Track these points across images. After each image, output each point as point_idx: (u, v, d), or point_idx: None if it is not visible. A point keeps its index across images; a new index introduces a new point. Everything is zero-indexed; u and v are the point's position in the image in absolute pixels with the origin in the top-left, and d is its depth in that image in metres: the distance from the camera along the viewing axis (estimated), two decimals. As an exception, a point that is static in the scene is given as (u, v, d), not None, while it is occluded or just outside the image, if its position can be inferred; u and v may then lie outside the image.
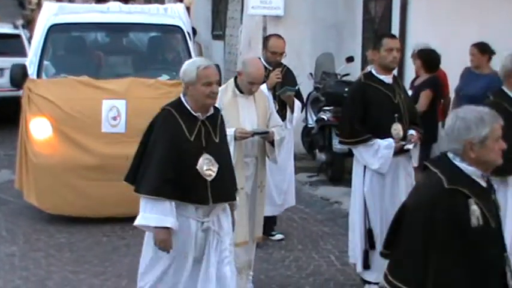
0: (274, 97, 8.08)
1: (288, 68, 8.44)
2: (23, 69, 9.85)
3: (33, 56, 10.37)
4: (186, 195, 5.35)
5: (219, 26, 19.03)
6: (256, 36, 14.39)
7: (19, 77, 9.73)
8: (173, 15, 11.07)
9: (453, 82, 9.84)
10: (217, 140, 5.49)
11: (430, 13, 11.88)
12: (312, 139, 12.43)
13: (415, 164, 7.14)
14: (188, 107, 5.40)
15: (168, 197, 5.24)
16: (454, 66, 10.00)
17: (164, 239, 5.24)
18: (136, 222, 5.37)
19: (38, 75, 9.93)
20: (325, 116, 11.61)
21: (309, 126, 12.54)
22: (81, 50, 11.08)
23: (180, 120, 5.36)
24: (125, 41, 11.66)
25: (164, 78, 10.13)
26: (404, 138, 6.82)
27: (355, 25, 13.90)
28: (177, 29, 10.80)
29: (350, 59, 12.41)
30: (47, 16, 10.61)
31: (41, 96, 9.42)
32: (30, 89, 9.61)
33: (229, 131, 6.21)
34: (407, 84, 10.98)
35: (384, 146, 6.71)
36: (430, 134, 9.00)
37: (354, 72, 12.61)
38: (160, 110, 5.52)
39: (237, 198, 5.91)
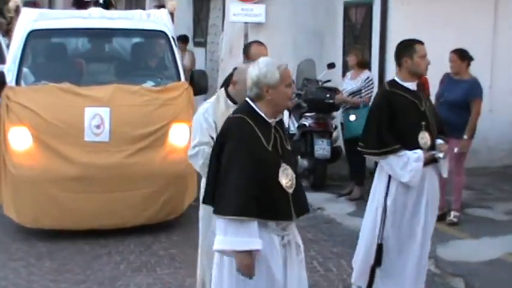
0: None
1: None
2: (0, 76, 9.24)
3: (11, 63, 9.79)
4: (270, 211, 4.74)
5: (200, 33, 18.84)
6: (237, 43, 14.03)
7: None
8: (156, 20, 10.58)
9: (433, 87, 9.74)
10: (289, 147, 4.98)
11: (410, 20, 11.85)
12: (294, 145, 12.60)
13: (445, 175, 6.80)
14: (261, 113, 4.79)
15: (252, 216, 4.60)
16: (433, 72, 10.08)
17: (248, 264, 4.60)
18: (218, 247, 4.70)
19: (17, 82, 9.41)
20: (306, 123, 11.46)
21: (291, 132, 12.08)
22: (61, 56, 10.50)
23: (255, 128, 4.75)
24: (108, 47, 11.12)
25: (149, 84, 9.68)
26: (433, 147, 6.45)
27: (336, 32, 13.78)
28: (161, 34, 10.32)
29: (331, 65, 12.27)
30: (26, 22, 10.07)
31: (20, 104, 8.88)
32: (9, 97, 9.02)
33: None
34: None
35: (414, 159, 6.30)
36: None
37: (336, 78, 12.64)
38: (231, 117, 4.91)
39: None
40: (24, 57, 9.66)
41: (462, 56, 9.32)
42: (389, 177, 6.45)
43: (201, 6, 19.21)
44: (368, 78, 10.88)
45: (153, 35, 10.47)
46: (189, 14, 20.11)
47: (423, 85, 9.95)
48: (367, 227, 6.68)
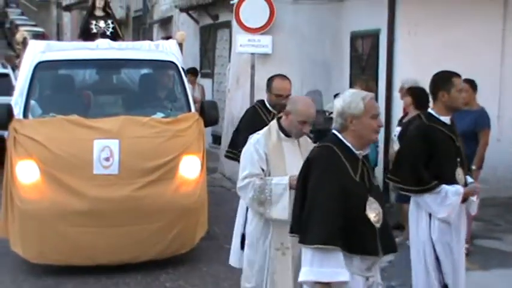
0: None
1: None
2: (8, 109, 8.90)
3: (18, 95, 9.56)
4: (356, 245, 4.51)
5: (207, 64, 18.77)
6: (244, 74, 14.04)
7: (4, 117, 8.76)
8: (165, 51, 10.38)
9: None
10: (376, 183, 4.80)
11: (416, 50, 11.90)
12: None
13: (473, 213, 6.62)
14: (349, 144, 4.63)
15: (338, 246, 4.40)
16: None
17: None
18: (304, 278, 4.48)
19: (25, 115, 9.06)
20: None
21: None
22: (69, 88, 10.20)
23: (343, 158, 4.59)
24: (116, 78, 10.88)
25: (159, 116, 9.33)
26: (465, 184, 6.18)
27: (343, 62, 13.67)
28: (170, 64, 10.03)
29: (338, 96, 12.73)
30: (34, 54, 9.84)
31: (28, 137, 8.53)
32: (16, 129, 8.67)
33: (282, 180, 5.61)
34: (395, 121, 10.94)
35: (452, 192, 6.03)
36: None
37: None
38: (318, 146, 4.77)
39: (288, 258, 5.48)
40: (32, 89, 9.39)
41: (473, 86, 9.23)
42: (430, 214, 6.17)
43: (208, 37, 19.15)
44: None
45: (162, 65, 10.23)
46: (195, 45, 20.10)
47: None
48: (420, 271, 6.25)
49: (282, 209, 5.53)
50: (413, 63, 11.72)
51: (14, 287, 8.32)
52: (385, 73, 12.12)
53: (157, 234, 8.52)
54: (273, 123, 6.01)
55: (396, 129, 10.11)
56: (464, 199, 6.15)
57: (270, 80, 7.47)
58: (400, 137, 9.61)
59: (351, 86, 13.03)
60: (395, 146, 9.75)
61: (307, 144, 6.03)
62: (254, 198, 5.56)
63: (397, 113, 11.09)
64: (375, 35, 12.66)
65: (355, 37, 13.45)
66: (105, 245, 8.36)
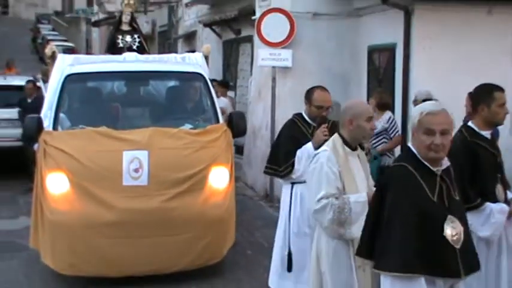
0: None
1: (334, 123, 6.86)
2: (38, 121, 8.59)
3: (48, 108, 9.30)
4: (436, 267, 4.17)
5: (230, 77, 18.61)
6: (265, 86, 13.89)
7: (34, 130, 8.51)
8: (192, 63, 10.13)
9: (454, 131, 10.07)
10: (457, 198, 4.39)
11: (430, 64, 11.62)
12: None
13: None
14: (423, 160, 4.30)
15: (419, 272, 4.11)
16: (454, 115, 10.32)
17: None
18: None
19: (54, 127, 8.75)
20: None
21: None
22: (98, 100, 9.84)
23: (419, 177, 4.24)
24: (144, 90, 10.54)
25: (187, 127, 8.98)
26: (506, 201, 5.79)
27: (361, 75, 13.50)
28: (198, 76, 9.65)
29: None
30: (62, 67, 9.60)
31: (58, 148, 8.23)
32: (46, 141, 8.36)
33: (360, 197, 5.15)
34: (410, 132, 11.29)
35: (498, 210, 5.64)
36: None
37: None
38: (393, 166, 4.45)
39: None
40: (61, 101, 9.08)
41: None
42: None
43: (231, 51, 19.04)
44: (390, 118, 10.73)
45: (190, 77, 9.85)
46: (219, 59, 19.91)
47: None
48: None
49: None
50: (428, 76, 11.62)
51: None
52: (401, 85, 12.02)
53: (186, 245, 8.20)
54: (336, 138, 5.44)
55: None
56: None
57: (310, 92, 7.11)
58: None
59: (368, 97, 13.20)
60: None
61: (364, 157, 5.68)
62: (334, 220, 5.07)
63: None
64: (391, 49, 12.56)
65: (372, 51, 13.35)
66: (135, 256, 8.07)
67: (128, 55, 10.39)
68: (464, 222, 4.35)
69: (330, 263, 5.30)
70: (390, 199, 4.25)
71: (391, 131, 10.66)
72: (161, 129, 8.64)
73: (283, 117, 13.55)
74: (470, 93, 9.42)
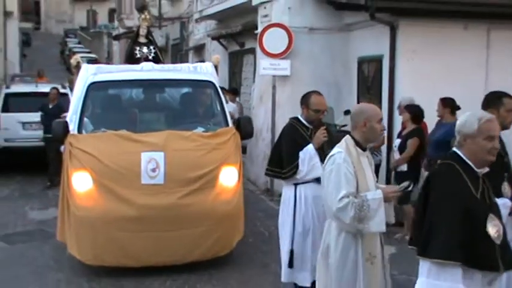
0: (321, 157, 6.31)
1: (327, 126, 6.90)
2: (64, 125, 8.47)
3: (73, 112, 9.08)
4: (476, 261, 3.99)
5: (234, 84, 18.33)
6: (266, 93, 13.73)
7: (61, 133, 8.35)
8: (203, 71, 9.88)
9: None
10: (494, 200, 4.27)
11: (413, 73, 11.51)
12: None
13: None
14: (469, 162, 4.16)
15: (458, 261, 3.94)
16: (433, 119, 9.81)
17: None
18: None
19: (79, 130, 8.57)
20: None
21: None
22: (118, 106, 9.64)
23: (464, 175, 4.11)
24: (160, 97, 10.24)
25: (199, 130, 8.77)
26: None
27: (351, 83, 13.35)
28: (209, 84, 9.42)
29: (347, 112, 11.90)
30: (86, 76, 9.39)
31: (82, 150, 8.07)
32: (72, 143, 8.18)
33: (375, 194, 4.97)
34: (395, 134, 10.66)
35: (501, 204, 5.10)
36: (415, 175, 9.04)
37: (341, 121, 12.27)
38: (440, 163, 4.28)
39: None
40: (85, 107, 8.88)
41: (444, 103, 9.34)
42: None
43: (236, 61, 18.81)
44: None
45: (202, 84, 9.62)
46: (225, 69, 19.63)
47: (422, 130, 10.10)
48: None
49: (380, 222, 4.92)
50: (411, 84, 11.53)
51: (71, 273, 8.16)
52: (387, 92, 11.93)
53: (199, 238, 8.02)
54: (348, 139, 5.17)
55: (396, 141, 9.93)
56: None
57: (307, 97, 6.79)
58: (400, 147, 9.78)
59: (358, 103, 13.16)
60: (396, 155, 9.76)
61: (370, 157, 5.44)
62: (355, 217, 4.82)
63: (398, 127, 10.95)
64: (378, 60, 12.45)
65: (361, 62, 13.23)
66: (152, 248, 7.91)
67: (145, 65, 10.21)
68: (502, 221, 4.19)
69: (338, 257, 5.06)
70: (437, 194, 4.09)
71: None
72: (176, 132, 8.45)
73: (282, 121, 13.46)
74: (441, 99, 9.49)
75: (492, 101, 5.86)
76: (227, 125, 8.94)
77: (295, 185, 6.70)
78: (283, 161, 6.70)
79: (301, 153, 6.59)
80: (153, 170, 7.94)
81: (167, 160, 7.96)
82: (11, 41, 34.69)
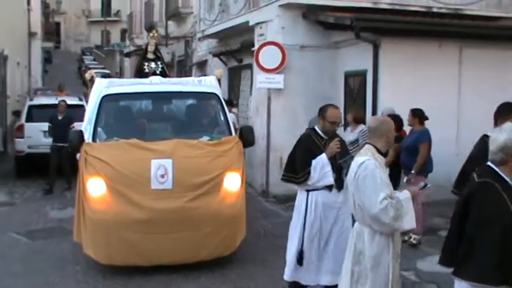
0: (333, 166, 6.19)
1: (341, 137, 6.54)
2: (80, 134, 8.18)
3: (87, 123, 8.76)
4: None
5: (233, 96, 17.93)
6: (262, 104, 13.49)
7: (77, 141, 8.05)
8: (207, 84, 9.56)
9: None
10: None
11: (394, 87, 11.47)
12: None
13: None
14: (507, 179, 3.74)
15: (496, 284, 3.61)
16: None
17: None
18: None
19: (93, 139, 8.24)
20: None
21: None
22: (129, 116, 9.31)
23: (502, 192, 3.68)
24: (168, 107, 9.88)
25: (205, 139, 8.40)
26: None
27: (338, 95, 13.17)
28: (213, 95, 9.06)
29: None
30: (100, 89, 9.07)
31: (96, 158, 7.76)
32: (87, 151, 7.86)
33: (405, 194, 4.79)
34: None
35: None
36: (396, 180, 8.63)
37: (339, 131, 12.73)
38: (478, 181, 3.79)
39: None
40: (99, 118, 8.55)
41: (414, 113, 9.19)
42: None
43: (234, 75, 18.39)
44: (362, 129, 10.20)
45: (207, 96, 9.22)
46: (225, 82, 19.09)
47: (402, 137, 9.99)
48: None
49: (411, 220, 4.74)
50: (392, 96, 11.42)
51: (87, 265, 7.97)
52: (371, 103, 11.86)
53: (206, 239, 7.70)
54: (370, 148, 4.89)
55: None
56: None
57: (324, 110, 6.41)
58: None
59: (345, 114, 13.13)
60: None
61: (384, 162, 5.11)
62: (394, 217, 4.59)
63: None
64: (363, 74, 12.33)
65: (347, 76, 13.06)
66: (162, 248, 7.61)
67: (153, 78, 9.86)
68: None
69: (373, 261, 4.75)
70: (475, 213, 3.69)
71: (361, 140, 10.50)
72: (183, 140, 8.07)
73: (277, 129, 13.49)
74: (411, 110, 9.43)
75: (503, 111, 5.77)
76: (230, 133, 8.59)
77: (307, 191, 6.33)
78: (297, 167, 6.36)
79: (314, 161, 6.24)
80: (162, 176, 7.66)
81: (175, 166, 7.65)
82: (34, 58, 34.54)
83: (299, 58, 13.29)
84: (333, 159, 6.27)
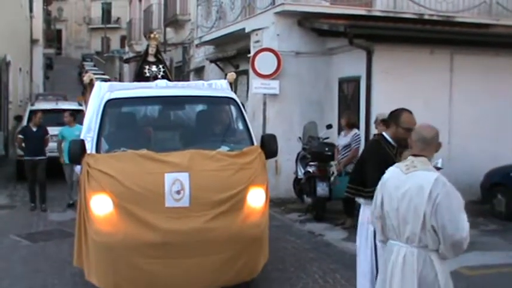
0: None
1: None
2: (81, 144, 6.53)
3: (87, 131, 7.52)
4: None
5: None
6: (258, 109, 12.89)
7: (78, 152, 6.48)
8: (219, 88, 8.27)
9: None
10: None
11: (387, 92, 10.88)
12: (301, 187, 11.05)
13: None
14: None
15: None
16: None
17: None
18: None
19: (97, 150, 6.62)
20: (310, 169, 10.43)
21: (299, 177, 11.22)
22: (138, 124, 7.66)
23: None
24: (181, 113, 8.19)
25: (224, 149, 6.79)
26: None
27: (333, 101, 12.67)
28: (231, 100, 7.46)
29: (329, 126, 11.28)
30: (100, 93, 7.68)
31: (101, 171, 6.18)
32: (90, 164, 6.25)
33: None
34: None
35: None
36: None
37: (333, 136, 11.24)
38: None
39: None
40: (103, 125, 6.97)
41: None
42: None
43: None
44: (355, 134, 9.80)
45: (223, 101, 7.66)
46: None
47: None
48: None
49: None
50: (385, 101, 10.64)
51: None
52: (364, 109, 11.34)
53: (227, 264, 6.22)
54: (425, 160, 4.17)
55: None
56: None
57: (398, 115, 5.25)
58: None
59: (339, 118, 13.09)
60: None
61: None
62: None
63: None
64: (356, 80, 11.82)
65: (342, 82, 12.45)
66: (178, 275, 6.14)
67: (159, 82, 8.35)
68: None
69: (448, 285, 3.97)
70: None
71: (353, 144, 10.46)
72: (200, 151, 6.49)
73: (272, 133, 13.41)
74: (382, 121, 9.30)
75: None
76: (252, 143, 6.93)
77: None
78: (367, 179, 5.18)
79: (387, 172, 5.50)
80: (178, 192, 6.16)
81: (192, 181, 6.10)
82: (36, 64, 34.25)
83: (294, 64, 12.58)
84: None
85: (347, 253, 7.81)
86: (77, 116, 13.05)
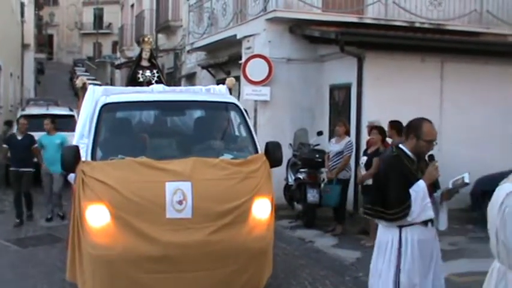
0: (430, 195, 4.63)
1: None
2: (75, 151, 5.98)
3: (79, 137, 7.09)
4: None
5: None
6: (249, 116, 14.50)
7: (72, 160, 5.95)
8: (220, 93, 7.84)
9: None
10: None
11: (378, 99, 10.79)
12: (292, 193, 10.85)
13: None
14: None
15: None
16: None
17: None
18: None
19: (93, 157, 6.09)
20: (301, 176, 10.24)
21: (289, 184, 11.02)
22: (135, 130, 7.12)
23: None
24: (181, 119, 7.72)
25: (227, 157, 6.33)
26: None
27: (324, 108, 12.51)
28: (233, 106, 6.99)
29: (320, 133, 11.12)
30: (95, 98, 7.22)
31: (98, 179, 5.67)
32: (85, 172, 5.72)
33: None
34: (361, 152, 9.84)
35: None
36: None
37: (323, 143, 11.05)
38: None
39: None
40: (98, 131, 6.43)
41: (392, 125, 8.97)
42: None
43: None
44: (349, 142, 9.67)
45: (225, 107, 7.17)
46: None
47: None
48: None
49: None
50: (376, 108, 10.74)
51: None
52: (355, 115, 11.20)
53: (230, 278, 5.82)
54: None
55: (362, 158, 8.97)
56: None
57: (418, 126, 4.67)
58: (366, 164, 9.61)
59: (330, 125, 13.08)
60: (363, 171, 8.81)
61: None
62: None
63: (364, 145, 10.09)
64: (347, 87, 11.68)
65: (332, 89, 12.29)
66: None
67: (155, 86, 7.94)
68: None
69: None
70: None
71: (345, 152, 10.46)
72: (202, 159, 6.02)
73: (263, 141, 13.23)
74: (390, 122, 8.76)
75: None
76: (256, 151, 6.46)
77: (400, 227, 4.57)
78: (391, 200, 4.56)
79: (412, 192, 4.51)
80: (180, 203, 5.73)
81: (195, 191, 5.67)
82: (27, 69, 34.10)
83: (285, 71, 12.31)
84: (431, 187, 4.65)
85: (337, 260, 7.69)
86: (68, 121, 12.91)
